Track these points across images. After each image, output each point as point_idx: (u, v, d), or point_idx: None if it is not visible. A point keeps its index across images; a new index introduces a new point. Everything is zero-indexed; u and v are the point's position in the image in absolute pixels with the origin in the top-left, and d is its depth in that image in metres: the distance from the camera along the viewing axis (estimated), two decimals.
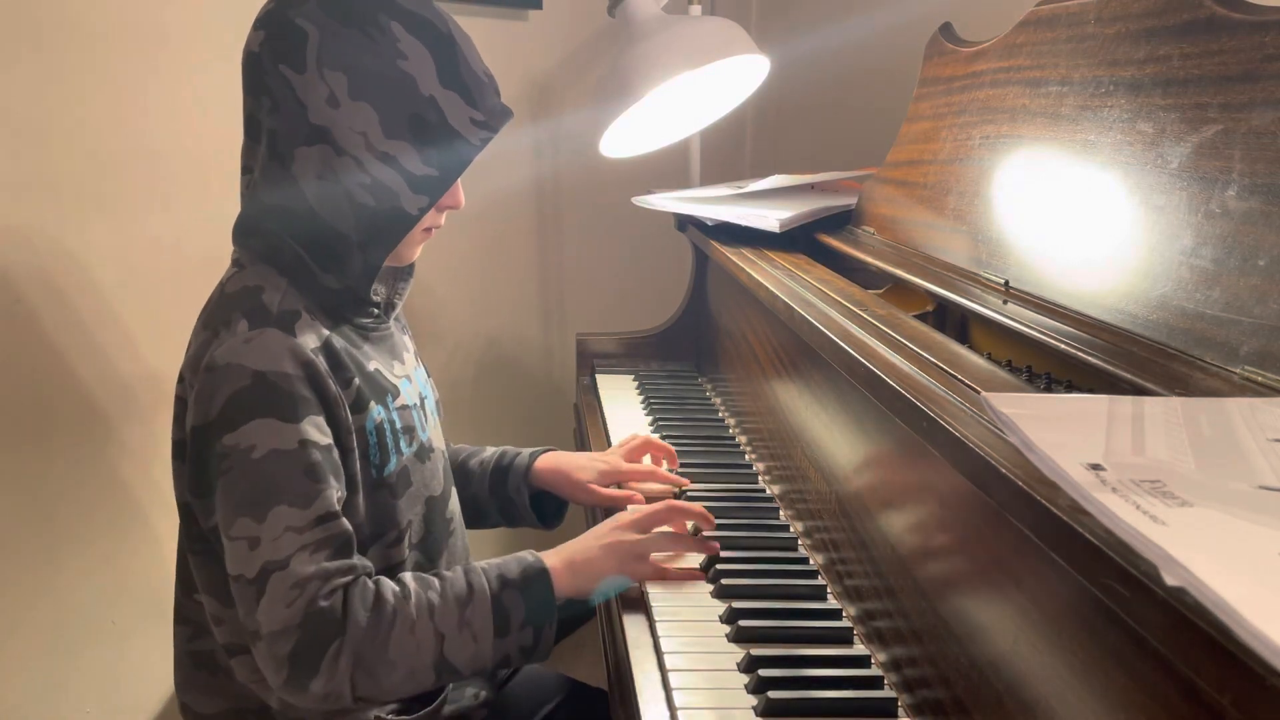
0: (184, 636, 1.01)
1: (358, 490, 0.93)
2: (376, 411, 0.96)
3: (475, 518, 1.22)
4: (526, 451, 1.22)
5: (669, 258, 2.06)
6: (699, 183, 1.93)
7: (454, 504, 1.11)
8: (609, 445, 1.32)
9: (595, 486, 1.17)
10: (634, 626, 0.92)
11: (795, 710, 0.78)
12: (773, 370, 1.23)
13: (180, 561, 0.99)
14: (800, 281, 1.16)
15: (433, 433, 1.07)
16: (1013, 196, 1.00)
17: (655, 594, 0.96)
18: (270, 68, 0.90)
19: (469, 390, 1.99)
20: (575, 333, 1.74)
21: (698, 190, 1.68)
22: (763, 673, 0.81)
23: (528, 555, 0.95)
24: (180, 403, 0.94)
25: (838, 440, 0.99)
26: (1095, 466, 0.49)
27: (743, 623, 0.89)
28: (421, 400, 1.06)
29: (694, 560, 1.01)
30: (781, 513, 1.15)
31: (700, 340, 1.71)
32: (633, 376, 1.65)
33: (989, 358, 0.86)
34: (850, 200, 1.40)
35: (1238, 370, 0.67)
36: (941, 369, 0.78)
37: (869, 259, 1.19)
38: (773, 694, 0.79)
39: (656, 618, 0.92)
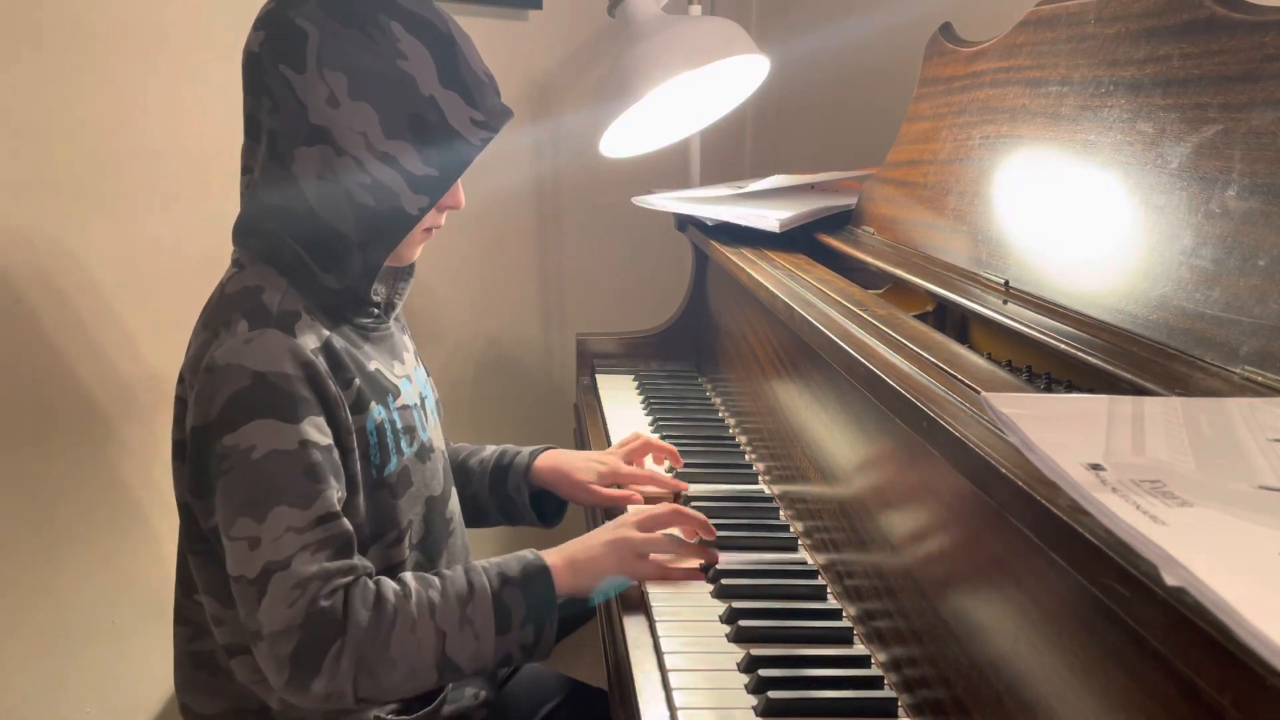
0: (184, 637, 1.01)
1: (358, 490, 0.93)
2: (377, 411, 0.96)
3: (475, 517, 1.22)
4: (526, 450, 1.22)
5: (669, 258, 2.06)
6: (699, 183, 1.93)
7: (454, 504, 1.11)
8: (609, 445, 1.32)
9: (595, 487, 1.17)
10: (634, 626, 0.92)
11: (795, 710, 0.78)
12: (773, 370, 1.23)
13: (180, 562, 0.99)
14: (800, 281, 1.16)
15: (433, 433, 1.07)
16: (1013, 196, 1.00)
17: (655, 594, 0.96)
18: (270, 68, 0.90)
19: (469, 390, 1.99)
20: (575, 333, 1.75)
21: (698, 190, 1.68)
22: (763, 673, 0.81)
23: (528, 553, 0.95)
24: (180, 403, 0.94)
25: (838, 440, 0.99)
26: (1095, 466, 0.49)
27: (743, 623, 0.89)
28: (422, 400, 1.06)
29: (693, 562, 1.01)
30: (781, 513, 1.15)
31: (700, 340, 1.71)
32: (633, 376, 1.65)
33: (989, 358, 0.86)
34: (850, 200, 1.40)
35: (1238, 370, 0.67)
36: (941, 369, 0.78)
37: (869, 259, 1.19)
38: (773, 694, 0.79)
39: (656, 618, 0.92)
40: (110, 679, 1.46)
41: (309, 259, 0.93)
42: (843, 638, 0.89)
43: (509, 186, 1.96)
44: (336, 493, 0.89)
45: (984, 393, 0.65)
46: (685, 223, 1.63)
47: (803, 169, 1.65)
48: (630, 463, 1.21)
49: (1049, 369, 0.88)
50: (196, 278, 1.15)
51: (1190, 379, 0.68)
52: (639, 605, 0.95)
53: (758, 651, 0.85)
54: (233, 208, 0.97)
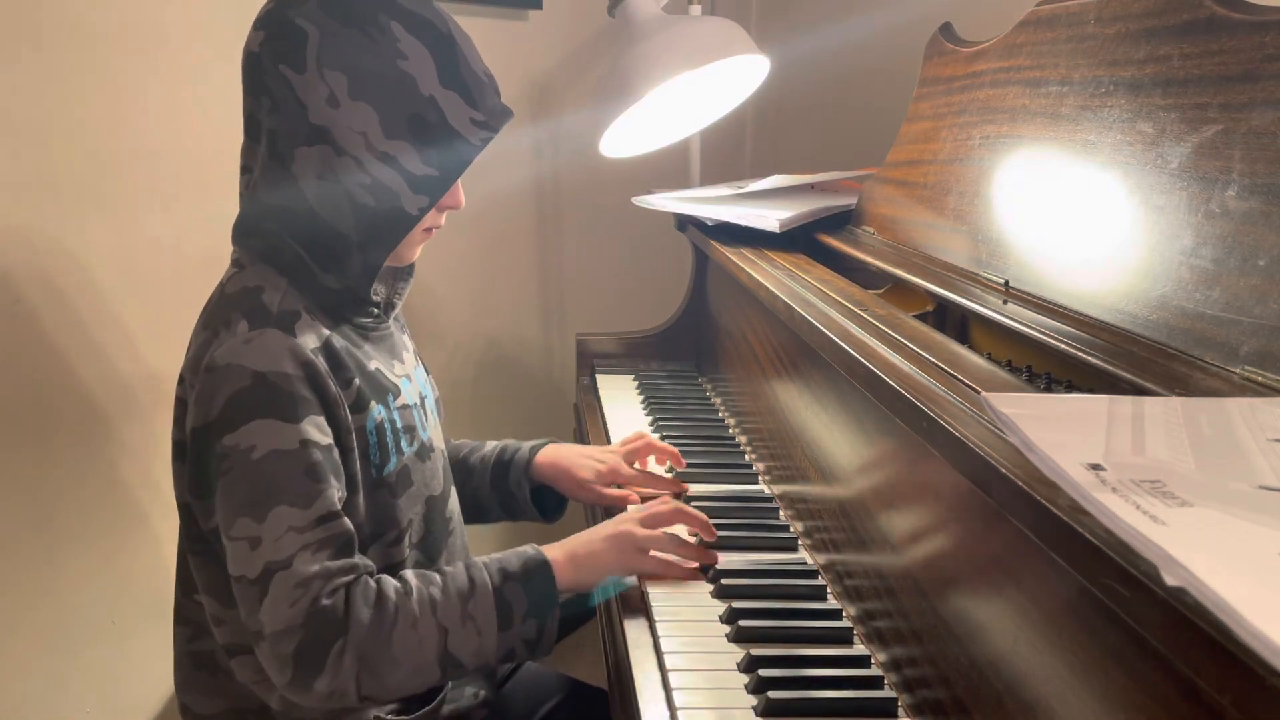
0: (184, 637, 1.01)
1: (358, 490, 0.93)
2: (377, 411, 0.96)
3: (477, 513, 1.23)
4: (526, 445, 1.22)
5: (669, 258, 2.06)
6: (699, 183, 1.93)
7: (453, 503, 1.11)
8: (610, 445, 1.32)
9: (595, 487, 1.17)
10: (634, 626, 0.92)
11: (795, 710, 0.78)
12: (773, 370, 1.23)
13: (180, 562, 0.99)
14: (800, 281, 1.16)
15: (433, 432, 1.07)
16: (1013, 196, 1.00)
17: (655, 594, 0.96)
18: (270, 68, 0.90)
19: (469, 390, 1.99)
20: (575, 333, 1.74)
21: (698, 190, 1.68)
22: (763, 673, 0.81)
23: (529, 548, 0.95)
24: (180, 404, 0.94)
25: (838, 440, 0.99)
26: (1095, 466, 0.49)
27: (743, 623, 0.89)
28: (421, 400, 1.06)
29: (693, 562, 1.01)
30: (781, 513, 1.15)
31: (700, 340, 1.71)
32: (633, 376, 1.65)
33: (989, 358, 0.86)
34: (850, 200, 1.40)
35: (1238, 370, 0.67)
36: (941, 369, 0.78)
37: (869, 259, 1.19)
38: (773, 694, 0.79)
39: (656, 618, 0.92)
40: (110, 679, 1.46)
41: (309, 259, 0.93)
42: (843, 638, 0.89)
43: (509, 186, 1.96)
44: (337, 492, 0.89)
45: (984, 393, 0.65)
46: (685, 223, 1.63)
47: (803, 169, 1.65)
48: (631, 463, 1.21)
49: (1049, 369, 0.88)
50: (196, 278, 1.15)
51: (1190, 379, 0.68)
52: (639, 605, 0.95)
53: (758, 651, 0.85)
54: (233, 208, 0.97)
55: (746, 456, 1.32)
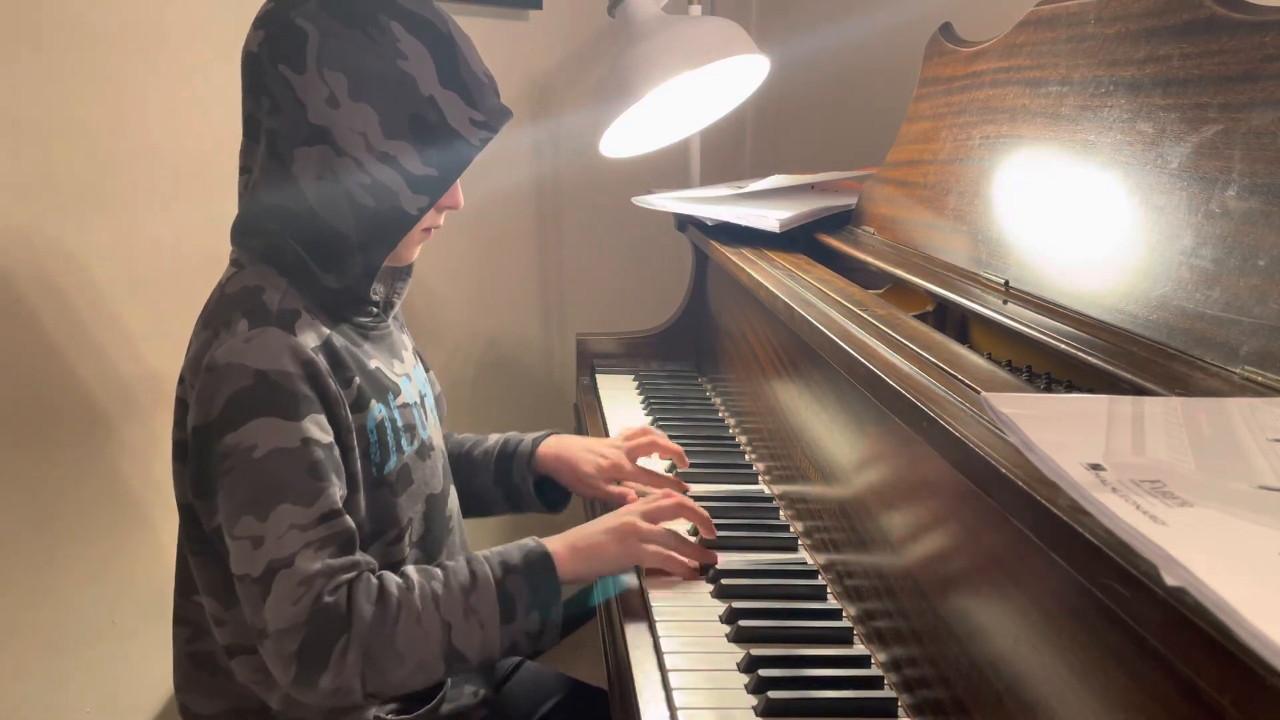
0: (183, 638, 1.01)
1: (358, 488, 0.93)
2: (377, 410, 0.96)
3: (482, 506, 1.23)
4: (529, 437, 1.22)
5: (669, 258, 2.06)
6: (699, 183, 1.93)
7: (453, 501, 1.11)
8: None
9: (598, 482, 1.17)
10: (634, 626, 0.92)
11: (795, 710, 0.79)
12: (773, 370, 1.23)
13: (180, 563, 1.00)
14: (800, 281, 1.16)
15: (432, 430, 1.07)
16: (1013, 196, 1.00)
17: (655, 594, 0.96)
18: (270, 67, 0.90)
19: (469, 390, 1.99)
20: (575, 333, 1.74)
21: (698, 190, 1.68)
22: (763, 673, 0.81)
23: (529, 541, 0.95)
24: (181, 404, 0.94)
25: (838, 440, 0.99)
26: (1095, 466, 0.49)
27: (743, 623, 0.89)
28: (421, 398, 1.06)
29: (693, 560, 1.01)
30: (781, 513, 1.15)
31: (700, 340, 1.71)
32: (633, 376, 1.65)
33: (989, 358, 0.86)
34: (850, 200, 1.40)
35: (1238, 370, 0.67)
36: (941, 369, 0.78)
37: (869, 259, 1.19)
38: (773, 694, 0.79)
39: (656, 618, 0.92)
40: (110, 679, 1.46)
41: (309, 259, 0.93)
42: (843, 638, 0.89)
43: (509, 186, 1.96)
44: (339, 490, 0.89)
45: (984, 393, 0.65)
46: (685, 223, 1.63)
47: (803, 169, 1.65)
48: (635, 459, 1.21)
49: (1049, 369, 0.88)
50: (196, 278, 1.15)
51: (1190, 379, 0.68)
52: (639, 605, 0.95)
53: (758, 651, 0.85)
54: (233, 208, 0.97)
55: (746, 456, 1.32)
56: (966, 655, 0.69)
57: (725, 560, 1.01)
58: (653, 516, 1.00)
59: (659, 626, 0.90)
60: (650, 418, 1.45)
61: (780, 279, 1.17)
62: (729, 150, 2.29)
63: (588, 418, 1.49)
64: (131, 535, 1.45)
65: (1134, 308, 0.79)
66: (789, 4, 2.17)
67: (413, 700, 0.99)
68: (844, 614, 0.93)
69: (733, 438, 1.38)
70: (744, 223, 1.41)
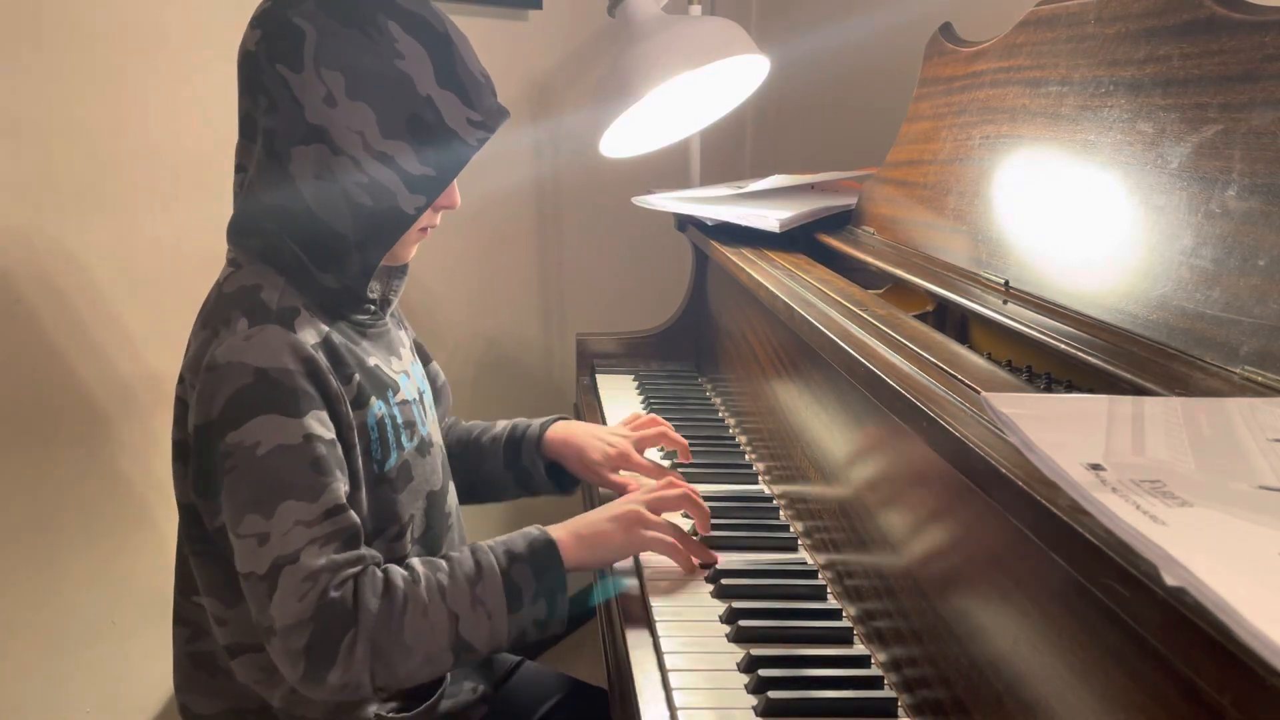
0: (183, 638, 1.01)
1: (360, 486, 0.93)
2: (377, 407, 0.96)
3: (492, 491, 1.24)
4: (537, 422, 1.23)
5: (669, 258, 2.06)
6: (699, 183, 1.93)
7: (452, 497, 1.11)
8: None
9: (603, 469, 1.17)
10: (634, 626, 0.92)
11: (795, 710, 0.78)
12: (773, 370, 1.23)
13: (180, 563, 0.99)
14: (800, 281, 1.16)
15: (431, 427, 1.07)
16: (1013, 196, 1.00)
17: (655, 594, 0.96)
18: (267, 66, 0.90)
19: (469, 390, 1.99)
20: (575, 333, 1.74)
21: (698, 190, 1.68)
22: (763, 673, 0.81)
23: (533, 529, 0.95)
24: (181, 404, 0.94)
25: (838, 440, 0.99)
26: (1095, 466, 0.49)
27: (743, 623, 0.89)
28: (420, 395, 1.06)
29: (694, 558, 1.01)
30: (781, 513, 1.15)
31: (700, 340, 1.71)
32: (633, 376, 1.65)
33: (989, 358, 0.86)
34: (850, 200, 1.40)
35: (1238, 370, 0.67)
36: (941, 369, 0.78)
37: (869, 259, 1.19)
38: (773, 694, 0.79)
39: (656, 618, 0.92)
40: (110, 679, 1.46)
41: (306, 259, 0.93)
42: (843, 638, 0.89)
43: (509, 186, 1.96)
44: (343, 485, 0.89)
45: (984, 393, 0.65)
46: (685, 223, 1.63)
47: (803, 169, 1.65)
48: (643, 449, 1.21)
49: (1049, 369, 0.88)
50: (196, 278, 1.15)
51: (1190, 379, 0.68)
52: (639, 606, 0.95)
53: (758, 651, 0.85)
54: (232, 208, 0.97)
55: (746, 456, 1.32)
56: (966, 655, 0.69)
57: (725, 560, 1.01)
58: (657, 506, 1.00)
59: (659, 626, 0.90)
60: None
61: (780, 279, 1.17)
62: (729, 150, 2.29)
63: (588, 418, 1.49)
64: (132, 535, 1.45)
65: (1134, 308, 0.79)
66: (789, 4, 2.17)
67: (412, 697, 0.99)
68: (844, 614, 0.93)
69: (733, 438, 1.38)
70: (744, 223, 1.41)
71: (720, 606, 0.94)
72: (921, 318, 1.05)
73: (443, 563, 0.91)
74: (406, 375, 1.04)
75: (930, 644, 0.75)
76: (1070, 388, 0.84)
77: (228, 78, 0.95)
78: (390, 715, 0.98)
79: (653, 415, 1.27)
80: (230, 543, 0.88)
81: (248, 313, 0.90)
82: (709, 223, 1.50)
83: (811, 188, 1.57)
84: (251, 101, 0.92)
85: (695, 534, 1.05)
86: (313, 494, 0.86)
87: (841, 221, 1.39)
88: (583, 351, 1.72)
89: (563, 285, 2.13)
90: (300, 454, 0.86)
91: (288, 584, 0.84)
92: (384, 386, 0.98)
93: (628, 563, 1.02)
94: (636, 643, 0.89)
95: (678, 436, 1.23)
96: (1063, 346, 0.79)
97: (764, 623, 0.90)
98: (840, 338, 0.90)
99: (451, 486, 1.12)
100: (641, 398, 1.55)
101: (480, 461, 1.22)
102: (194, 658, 1.00)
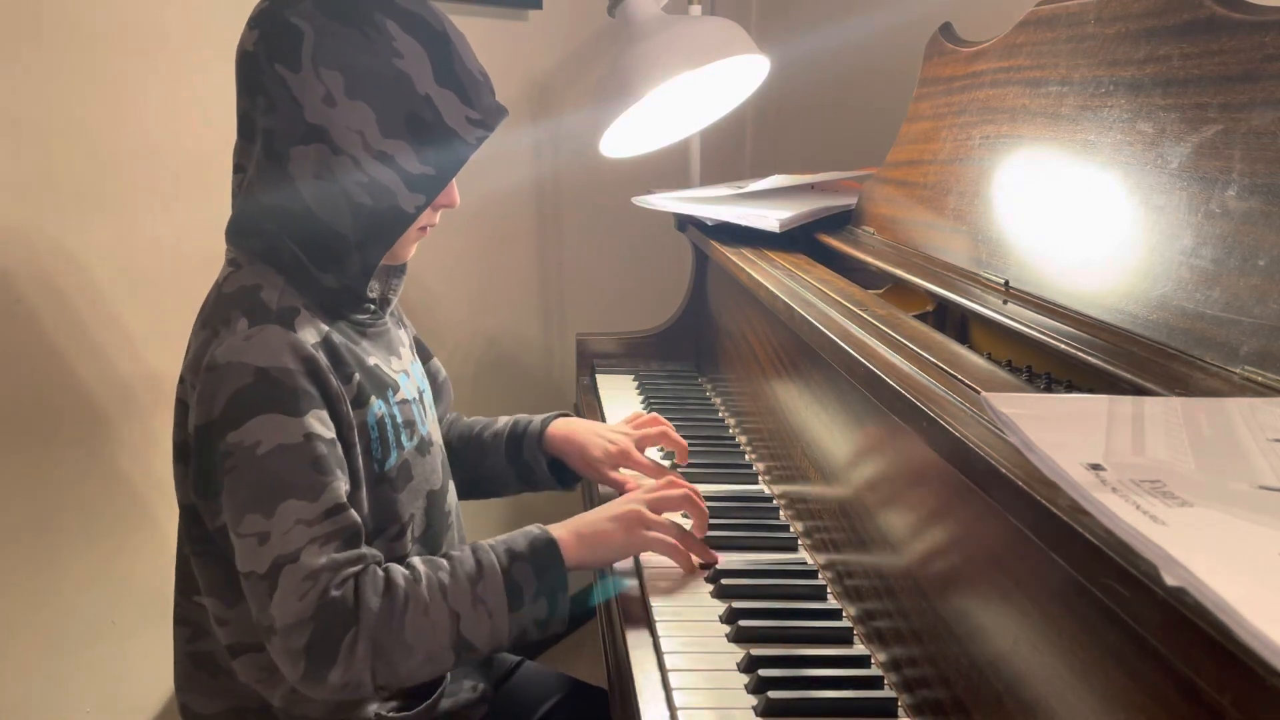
0: (183, 638, 1.01)
1: (360, 485, 0.93)
2: (377, 406, 0.96)
3: (494, 487, 1.24)
4: (538, 418, 1.23)
5: (669, 258, 2.06)
6: (699, 183, 1.93)
7: (452, 496, 1.11)
8: None
9: (603, 467, 1.17)
10: (634, 626, 0.92)
11: (795, 710, 0.78)
12: (773, 370, 1.23)
13: (180, 563, 0.99)
14: (800, 281, 1.16)
15: (431, 426, 1.07)
16: (1013, 196, 1.00)
17: (655, 594, 0.96)
18: (265, 66, 0.90)
19: (469, 389, 1.99)
20: (575, 333, 1.74)
21: (698, 190, 1.68)
22: (763, 673, 0.81)
23: (534, 528, 0.95)
24: (181, 405, 0.94)
25: (838, 440, 0.99)
26: (1095, 466, 0.49)
27: (743, 623, 0.89)
28: (420, 394, 1.06)
29: (694, 557, 1.01)
30: (781, 513, 1.15)
31: (700, 340, 1.71)
32: (633, 376, 1.65)
33: (989, 358, 0.86)
34: (850, 200, 1.40)
35: (1238, 370, 0.67)
36: (941, 369, 0.78)
37: (869, 259, 1.19)
38: (773, 694, 0.79)
39: (656, 618, 0.92)
40: (110, 679, 1.46)
41: (306, 259, 0.93)
42: (843, 638, 0.89)
43: (509, 186, 1.96)
44: (343, 485, 0.89)
45: (984, 393, 0.65)
46: (685, 223, 1.63)
47: (803, 169, 1.65)
48: (643, 448, 1.21)
49: (1049, 369, 0.88)
50: (196, 278, 1.15)
51: (1190, 379, 0.68)
52: (639, 606, 0.95)
53: (758, 651, 0.85)
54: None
55: (746, 456, 1.32)
56: (966, 655, 0.69)
57: (725, 560, 1.01)
58: (658, 505, 1.00)
59: (659, 626, 0.90)
60: None
61: (780, 279, 1.17)
62: (729, 150, 2.29)
63: (588, 417, 1.49)
64: (132, 535, 1.45)
65: (1134, 308, 0.79)
66: (789, 4, 2.17)
67: (412, 696, 0.99)
68: (844, 614, 0.93)
69: (733, 438, 1.38)
70: (744, 223, 1.41)
71: (720, 606, 0.94)
72: (921, 318, 1.05)
73: (444, 562, 0.91)
74: (406, 374, 1.04)
75: (930, 644, 0.75)
76: (1070, 388, 0.84)
77: (227, 78, 0.95)
78: (390, 714, 0.98)
79: (654, 414, 1.27)
80: (231, 543, 0.88)
81: (248, 313, 0.90)
82: (709, 223, 1.50)
83: (811, 188, 1.57)
84: (250, 102, 0.92)
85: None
86: (313, 493, 0.86)
87: (841, 221, 1.39)
88: (583, 351, 1.72)
89: (563, 285, 2.13)
90: (301, 453, 0.86)
91: (288, 583, 0.84)
92: (384, 386, 0.98)
93: (628, 562, 1.02)
94: (636, 643, 0.89)
95: (678, 437, 1.23)
96: (1063, 346, 0.79)
97: (764, 623, 0.90)
98: (840, 338, 0.90)
99: (451, 485, 1.12)
100: (641, 398, 1.55)
101: (482, 457, 1.23)
102: (195, 658, 1.00)
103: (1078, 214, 0.89)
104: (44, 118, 1.29)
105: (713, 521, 1.06)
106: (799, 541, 1.07)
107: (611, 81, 1.48)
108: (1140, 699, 0.50)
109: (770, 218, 1.35)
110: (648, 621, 0.92)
